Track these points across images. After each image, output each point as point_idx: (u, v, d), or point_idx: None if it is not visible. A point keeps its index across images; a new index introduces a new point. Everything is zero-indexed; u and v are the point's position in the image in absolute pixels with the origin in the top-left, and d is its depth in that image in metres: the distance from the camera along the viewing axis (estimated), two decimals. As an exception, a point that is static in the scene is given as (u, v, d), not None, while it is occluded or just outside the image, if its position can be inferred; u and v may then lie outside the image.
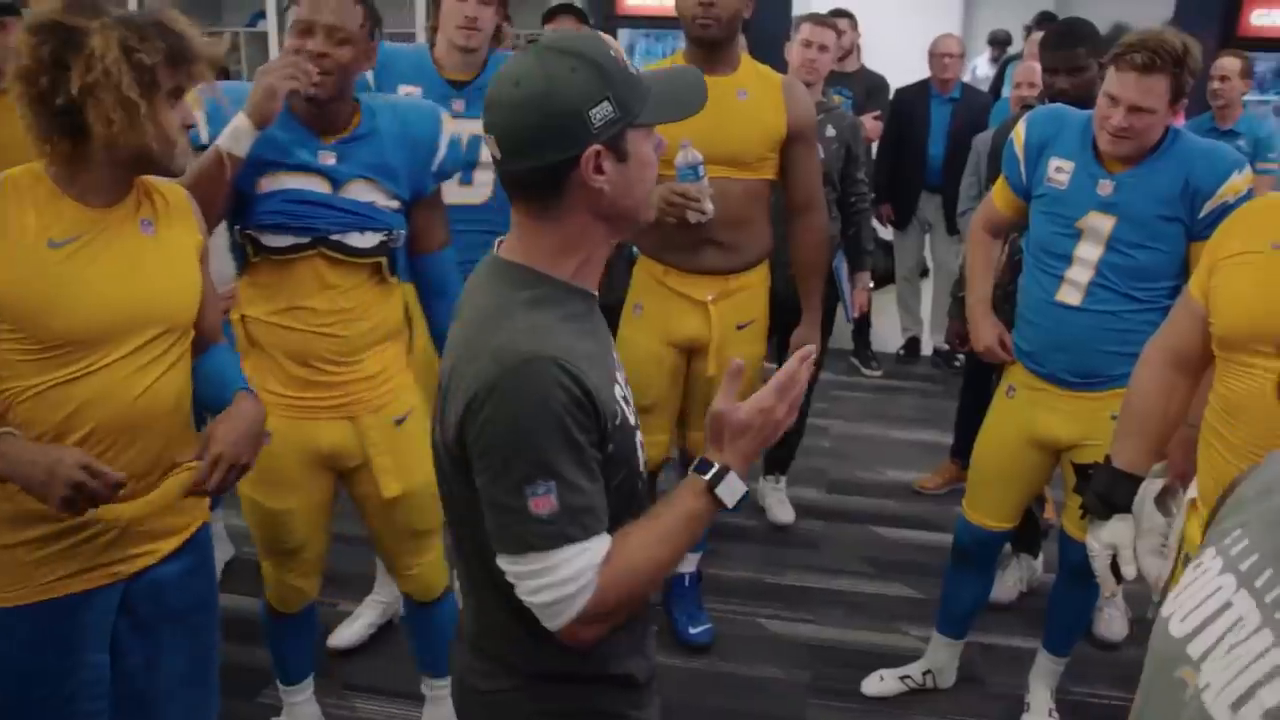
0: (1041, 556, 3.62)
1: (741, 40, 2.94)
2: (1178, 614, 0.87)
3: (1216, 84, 4.76)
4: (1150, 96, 2.30)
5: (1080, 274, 2.47)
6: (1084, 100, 3.02)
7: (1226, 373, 1.78)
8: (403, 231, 2.25)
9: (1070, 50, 3.02)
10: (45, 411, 1.64)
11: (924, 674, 3.04)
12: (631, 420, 1.37)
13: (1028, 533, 3.48)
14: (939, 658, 3.04)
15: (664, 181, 2.62)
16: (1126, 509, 2.02)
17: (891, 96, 5.48)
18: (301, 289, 2.18)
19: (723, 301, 2.88)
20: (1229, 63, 4.76)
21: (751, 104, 2.77)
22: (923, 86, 5.53)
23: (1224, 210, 2.27)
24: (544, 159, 1.25)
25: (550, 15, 3.74)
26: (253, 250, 2.17)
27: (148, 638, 1.88)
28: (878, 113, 5.19)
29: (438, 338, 2.44)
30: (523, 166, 1.27)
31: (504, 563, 1.26)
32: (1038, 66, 3.91)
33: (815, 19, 3.78)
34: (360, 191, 2.18)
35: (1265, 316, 1.70)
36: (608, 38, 1.31)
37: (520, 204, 1.32)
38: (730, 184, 2.71)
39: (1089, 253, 2.46)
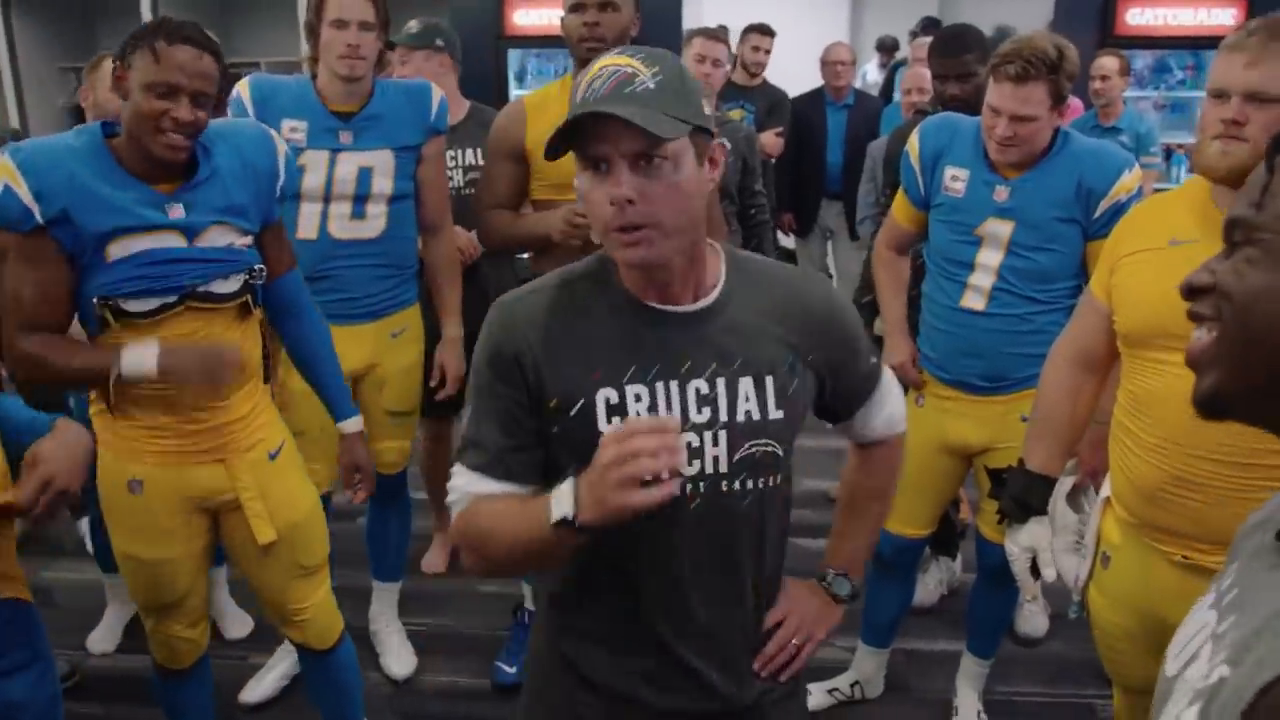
0: (960, 557, 3.64)
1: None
2: (1171, 653, 0.85)
3: (1098, 83, 4.89)
4: (1029, 105, 2.33)
5: (982, 279, 2.49)
6: (975, 105, 3.06)
7: (1134, 370, 1.79)
8: (262, 266, 2.15)
9: (958, 57, 3.06)
10: None
11: (851, 685, 3.03)
12: (609, 430, 1.29)
13: (945, 535, 3.50)
14: (865, 668, 3.03)
15: (564, 204, 2.57)
16: (1042, 511, 2.04)
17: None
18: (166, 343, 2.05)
19: None
20: (1108, 62, 4.88)
21: None
22: (817, 95, 5.58)
23: (1118, 209, 2.33)
24: (682, 126, 1.29)
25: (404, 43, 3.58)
26: (113, 317, 2.02)
27: None
28: (780, 129, 5.20)
29: (296, 360, 2.37)
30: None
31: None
32: (926, 72, 3.96)
33: (706, 33, 3.78)
34: (216, 237, 2.08)
35: (1167, 311, 1.71)
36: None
37: None
38: None
39: (990, 258, 2.48)
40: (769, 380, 1.37)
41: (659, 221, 1.25)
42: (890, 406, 1.58)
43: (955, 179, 2.52)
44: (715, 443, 1.36)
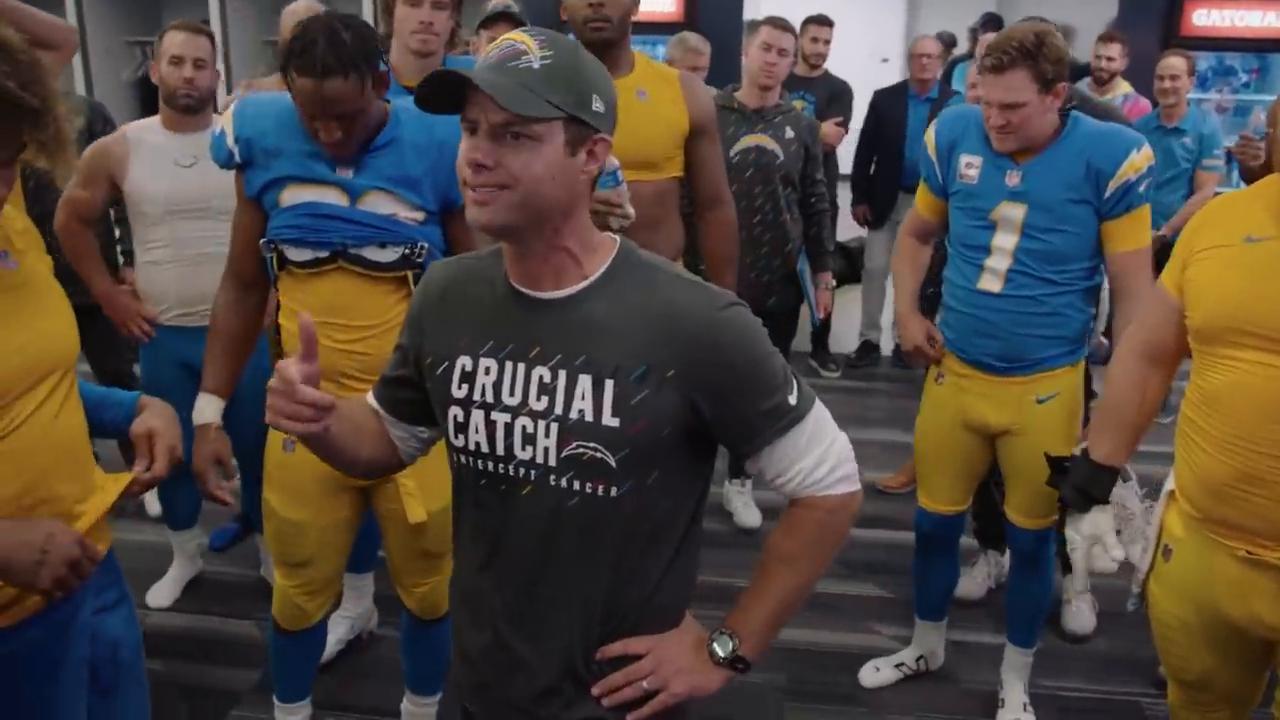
0: (1009, 551, 3.64)
1: (702, 47, 2.95)
2: None
3: (1166, 83, 4.85)
4: (1013, 91, 2.41)
5: (999, 262, 2.56)
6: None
7: (1204, 365, 1.80)
8: (428, 245, 2.17)
9: None
10: None
11: (917, 660, 3.10)
12: (455, 394, 1.41)
13: (994, 528, 3.51)
14: (928, 641, 3.10)
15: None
16: (1105, 501, 2.06)
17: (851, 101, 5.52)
18: (325, 303, 2.13)
19: None
20: (1176, 62, 4.85)
21: (652, 103, 2.75)
22: (900, 88, 5.59)
23: (1127, 188, 2.43)
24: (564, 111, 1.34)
25: (487, 21, 3.70)
26: (278, 263, 2.15)
27: (112, 699, 1.78)
28: (840, 118, 5.21)
29: None
30: None
31: None
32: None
33: (774, 22, 3.78)
34: (378, 204, 2.12)
35: (1240, 308, 1.72)
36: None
37: None
38: (641, 186, 2.65)
39: (1005, 241, 2.55)
40: (609, 384, 1.32)
41: (506, 188, 1.28)
42: (810, 460, 1.40)
43: (970, 166, 2.60)
44: (547, 434, 1.35)
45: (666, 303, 1.34)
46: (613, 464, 1.33)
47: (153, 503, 3.98)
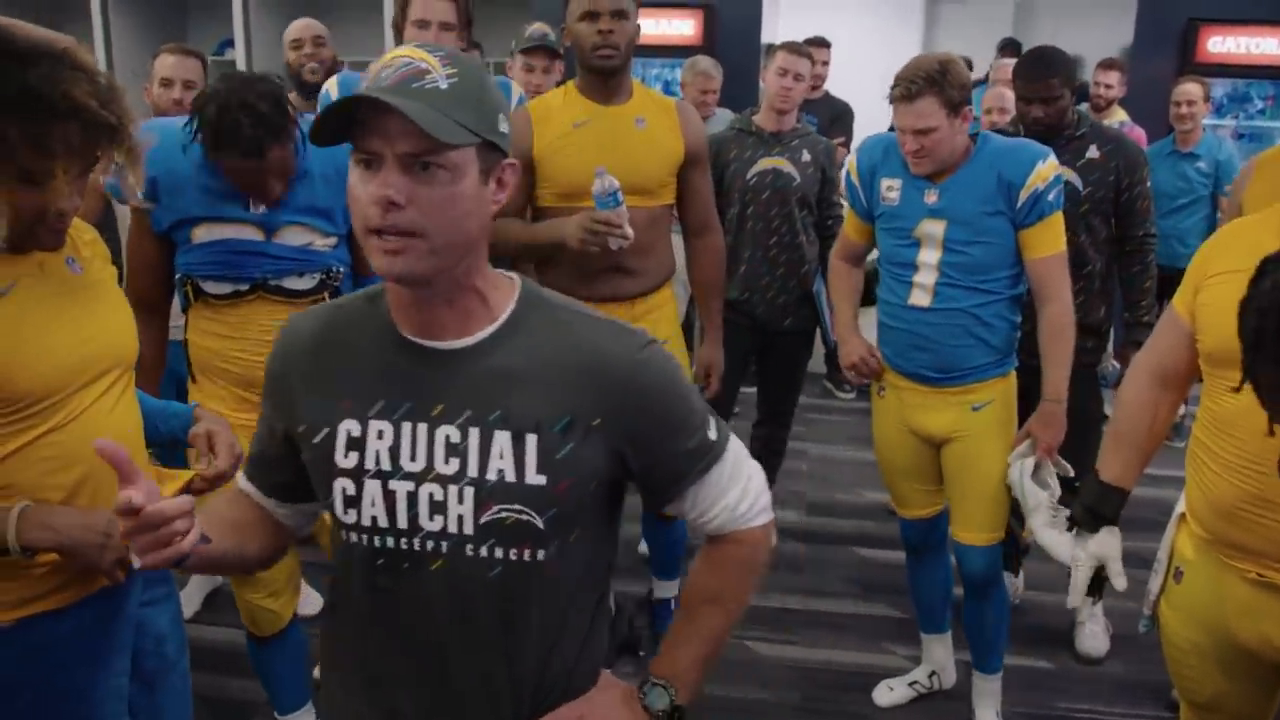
0: (1022, 574, 3.66)
1: (716, 72, 3.00)
2: None
3: (1182, 109, 4.88)
4: (923, 118, 2.53)
5: (926, 277, 2.67)
6: (1057, 128, 3.11)
7: (1215, 389, 1.82)
8: (343, 268, 2.28)
9: (1044, 81, 3.11)
10: (30, 468, 1.54)
11: (929, 676, 3.13)
12: (342, 463, 1.25)
13: (1007, 550, 3.52)
14: (936, 656, 3.12)
15: (577, 211, 2.63)
16: (1114, 521, 2.08)
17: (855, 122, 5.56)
18: (245, 323, 2.24)
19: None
20: (1192, 88, 4.88)
21: (649, 131, 2.79)
22: None
23: (1037, 197, 2.56)
24: (465, 136, 1.21)
25: (526, 50, 3.76)
26: (194, 294, 2.23)
27: (154, 694, 1.85)
28: (842, 139, 5.26)
29: None
30: None
31: None
32: (1008, 93, 3.99)
33: (790, 47, 3.82)
34: (294, 236, 2.21)
35: None
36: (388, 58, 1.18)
37: None
38: (636, 212, 2.68)
39: (929, 257, 2.66)
40: (531, 439, 1.21)
41: (425, 232, 1.13)
42: (734, 495, 1.34)
43: (890, 189, 2.73)
44: (460, 500, 1.22)
45: (587, 347, 1.24)
46: (540, 525, 1.22)
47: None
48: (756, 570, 1.40)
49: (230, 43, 6.54)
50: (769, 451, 4.12)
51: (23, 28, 1.47)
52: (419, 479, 1.23)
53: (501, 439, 1.21)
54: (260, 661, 2.56)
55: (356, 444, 1.24)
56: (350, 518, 1.26)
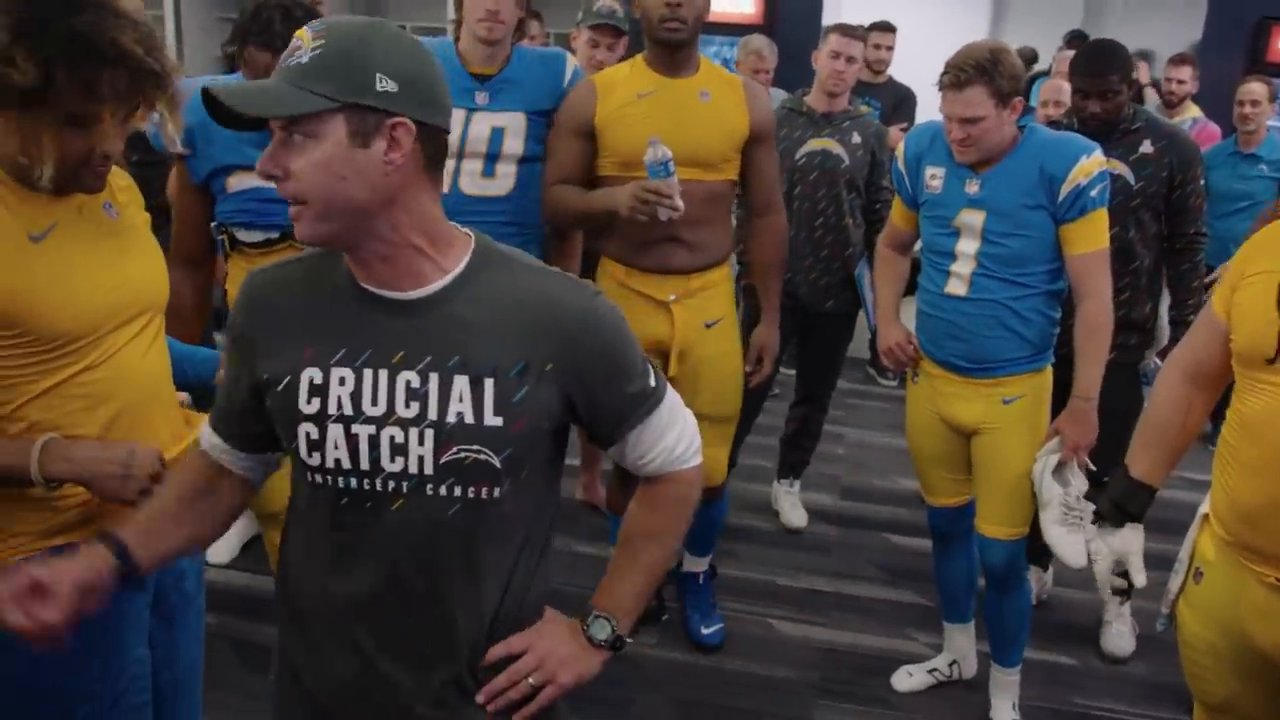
0: (1052, 569, 3.64)
1: (771, 52, 3.00)
2: None
3: (1246, 108, 4.79)
4: (971, 106, 2.53)
5: (963, 266, 2.68)
6: (1113, 123, 3.07)
7: (1244, 389, 1.81)
8: None
9: (1103, 76, 3.06)
10: (63, 405, 1.59)
11: (950, 665, 3.14)
12: (305, 409, 1.31)
13: (1036, 544, 3.50)
14: (957, 645, 3.13)
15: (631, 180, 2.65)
16: (1139, 519, 2.07)
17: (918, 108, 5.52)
18: None
19: (687, 301, 2.87)
20: (1256, 87, 4.79)
21: (714, 105, 2.79)
22: None
23: (1079, 192, 2.54)
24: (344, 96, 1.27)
25: (593, 26, 3.72)
26: (229, 243, 2.28)
27: (172, 629, 1.90)
28: (905, 125, 5.23)
29: None
30: None
31: None
32: (1065, 85, 3.95)
33: (843, 30, 3.81)
34: None
35: None
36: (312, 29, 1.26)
37: None
38: (694, 185, 2.70)
39: (967, 246, 2.66)
40: (488, 383, 1.29)
41: (306, 198, 1.23)
42: (671, 438, 1.44)
43: (934, 177, 2.73)
44: (421, 441, 1.29)
45: (540, 295, 1.33)
46: (497, 464, 1.30)
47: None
48: (690, 507, 1.50)
49: (296, 3, 6.62)
50: (805, 433, 4.13)
51: None
52: (380, 423, 1.29)
53: (460, 383, 1.29)
54: None
55: (319, 390, 1.30)
56: (314, 460, 1.32)
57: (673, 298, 2.86)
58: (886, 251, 3.04)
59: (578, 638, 1.45)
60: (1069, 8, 9.33)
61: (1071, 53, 4.27)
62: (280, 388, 1.33)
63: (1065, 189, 2.54)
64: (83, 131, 1.51)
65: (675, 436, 1.45)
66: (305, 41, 1.23)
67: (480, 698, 1.39)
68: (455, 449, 1.29)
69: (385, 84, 1.22)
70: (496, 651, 1.39)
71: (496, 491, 1.33)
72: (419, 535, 1.33)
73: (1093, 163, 2.55)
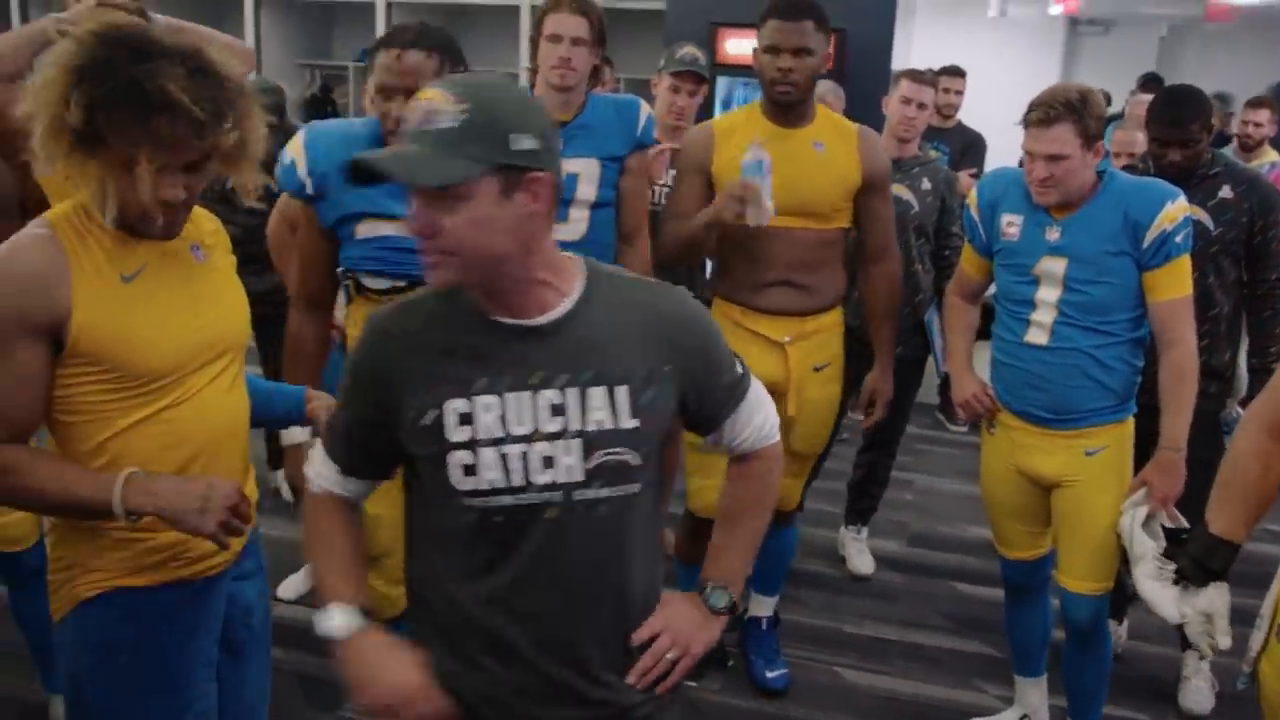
0: (1127, 622, 3.55)
1: (840, 93, 3.01)
2: None
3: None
4: (1057, 144, 2.48)
5: (1044, 315, 2.62)
6: (1191, 171, 3.01)
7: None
8: None
9: (1183, 126, 2.99)
10: (144, 441, 1.64)
11: (1020, 719, 3.06)
12: (455, 437, 1.40)
13: (1112, 597, 3.42)
14: (1029, 700, 3.06)
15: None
16: (1223, 576, 2.01)
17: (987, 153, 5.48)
18: None
19: (800, 343, 2.91)
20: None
21: (827, 156, 2.82)
22: None
23: (1164, 238, 2.49)
24: (470, 157, 1.36)
25: (675, 72, 3.74)
26: (355, 289, 2.28)
27: (240, 663, 1.94)
28: (974, 170, 5.19)
29: None
30: None
31: None
32: (1139, 136, 3.88)
33: (914, 75, 3.81)
34: None
35: None
36: (421, 102, 1.35)
37: None
38: (807, 233, 2.77)
39: (1048, 295, 2.61)
40: (621, 390, 1.43)
41: (456, 251, 1.33)
42: (759, 418, 1.62)
43: (1010, 224, 2.68)
44: (569, 452, 1.41)
45: (648, 305, 1.49)
46: (637, 462, 1.45)
47: (287, 488, 4.19)
48: (776, 479, 1.69)
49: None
50: (873, 479, 4.10)
51: (173, 33, 1.59)
52: (529, 440, 1.41)
53: (597, 393, 1.43)
54: None
55: (467, 419, 1.40)
56: (467, 484, 1.41)
57: (788, 339, 2.89)
58: (957, 300, 3.00)
59: (700, 609, 1.61)
60: (1142, 49, 9.25)
61: (1146, 97, 4.22)
62: (425, 421, 1.41)
63: (1150, 235, 2.49)
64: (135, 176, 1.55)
65: (762, 417, 1.62)
66: (445, 104, 1.31)
67: (631, 679, 1.54)
68: (600, 453, 1.43)
69: (522, 142, 1.32)
70: (641, 634, 1.54)
71: (636, 487, 1.47)
72: (572, 538, 1.45)
73: (1178, 208, 2.50)
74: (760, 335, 2.89)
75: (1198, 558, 2.05)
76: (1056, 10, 8.92)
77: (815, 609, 3.75)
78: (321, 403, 1.95)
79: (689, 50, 3.69)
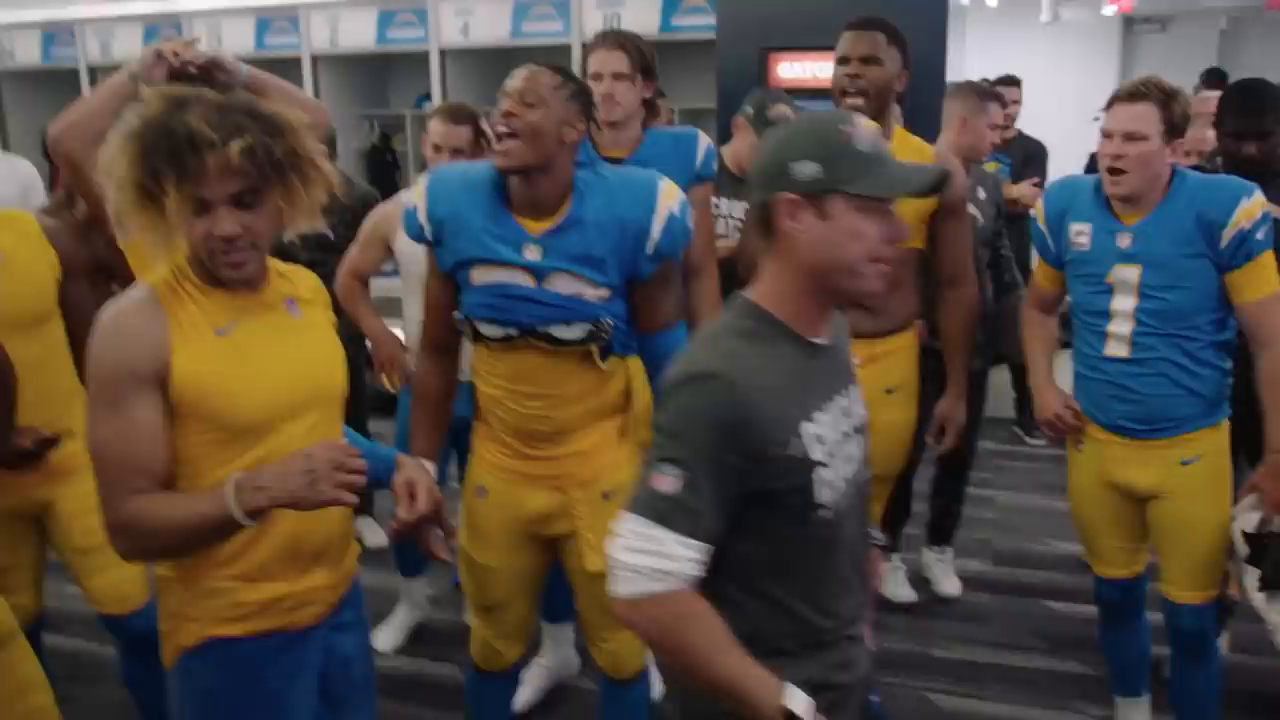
0: (1227, 634, 3.44)
1: (897, 112, 2.98)
2: None
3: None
4: (1139, 122, 2.42)
5: (1121, 326, 2.55)
6: (1268, 164, 2.94)
7: None
8: (612, 321, 2.21)
9: (1259, 116, 2.94)
10: None
11: None
12: (817, 456, 1.49)
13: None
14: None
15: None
16: None
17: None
18: (516, 372, 2.23)
19: (870, 365, 2.85)
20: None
21: None
22: None
23: (1243, 236, 2.41)
24: (757, 196, 1.52)
25: (757, 116, 3.72)
26: (472, 335, 2.26)
27: (341, 715, 1.96)
28: (1036, 179, 5.11)
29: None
30: (751, 201, 1.55)
31: (621, 516, 1.47)
32: (1209, 134, 3.79)
33: (995, 96, 3.81)
34: (563, 284, 2.18)
35: None
36: (859, 119, 1.51)
37: (759, 242, 1.54)
38: None
39: (1124, 304, 2.54)
40: (855, 388, 1.66)
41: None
42: None
43: (1080, 233, 2.61)
44: (860, 446, 1.63)
45: (842, 326, 1.70)
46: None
47: (370, 535, 4.30)
48: None
49: (428, 96, 6.87)
50: (952, 498, 4.03)
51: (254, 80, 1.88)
52: (845, 442, 1.57)
53: (855, 392, 1.65)
54: (473, 690, 2.62)
55: (818, 437, 1.51)
56: (825, 496, 1.51)
57: (857, 361, 2.85)
58: (1032, 314, 2.93)
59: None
60: (1202, 45, 9.07)
61: (1211, 94, 4.13)
62: (788, 451, 1.47)
63: (1228, 235, 2.41)
64: (202, 217, 1.63)
65: None
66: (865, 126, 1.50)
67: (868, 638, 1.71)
68: (864, 438, 1.66)
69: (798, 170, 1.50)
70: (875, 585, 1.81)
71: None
72: (858, 512, 1.65)
73: (1255, 204, 2.42)
74: None
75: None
76: (1110, 10, 8.77)
77: (903, 634, 3.69)
78: (408, 473, 1.93)
79: (780, 111, 3.67)
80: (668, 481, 1.42)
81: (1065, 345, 2.89)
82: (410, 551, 3.60)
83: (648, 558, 1.42)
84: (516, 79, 2.15)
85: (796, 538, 1.53)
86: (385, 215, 3.35)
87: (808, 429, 1.49)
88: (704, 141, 2.96)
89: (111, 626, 2.72)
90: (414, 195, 2.26)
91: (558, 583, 2.64)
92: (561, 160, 2.16)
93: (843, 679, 1.60)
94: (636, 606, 1.43)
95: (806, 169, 1.45)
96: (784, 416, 1.47)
